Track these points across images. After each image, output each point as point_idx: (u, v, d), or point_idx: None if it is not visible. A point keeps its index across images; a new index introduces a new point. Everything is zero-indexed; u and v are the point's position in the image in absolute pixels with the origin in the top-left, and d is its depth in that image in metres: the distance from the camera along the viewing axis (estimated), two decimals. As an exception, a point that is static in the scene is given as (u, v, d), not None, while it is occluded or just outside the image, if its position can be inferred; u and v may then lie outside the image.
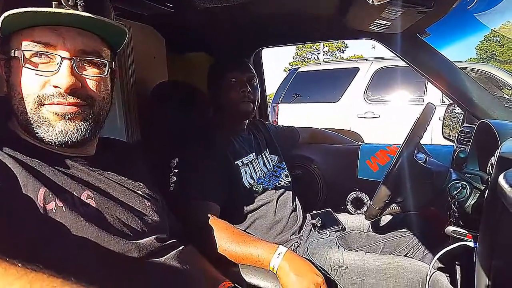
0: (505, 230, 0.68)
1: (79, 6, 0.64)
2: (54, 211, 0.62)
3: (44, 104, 0.65)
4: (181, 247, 0.84)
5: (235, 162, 1.33)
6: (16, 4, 0.61)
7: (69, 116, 0.67)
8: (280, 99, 5.28)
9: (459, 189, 1.11)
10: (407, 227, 1.44)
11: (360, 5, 1.26)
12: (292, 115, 5.10)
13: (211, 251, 1.05)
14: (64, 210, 0.63)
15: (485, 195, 0.86)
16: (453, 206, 1.11)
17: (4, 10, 0.62)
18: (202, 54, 1.81)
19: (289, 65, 26.46)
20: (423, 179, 1.22)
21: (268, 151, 1.55)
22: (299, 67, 5.96)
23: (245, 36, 1.78)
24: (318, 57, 27.78)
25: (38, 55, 0.65)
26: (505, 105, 1.51)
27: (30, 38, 0.64)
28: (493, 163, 0.82)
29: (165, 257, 0.77)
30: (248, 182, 1.34)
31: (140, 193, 0.84)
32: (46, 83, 0.65)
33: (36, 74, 0.65)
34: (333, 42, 28.85)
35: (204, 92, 1.53)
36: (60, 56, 0.65)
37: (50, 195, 0.62)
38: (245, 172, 1.35)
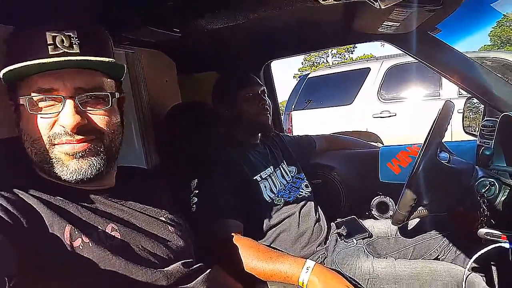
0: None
1: (74, 46, 0.67)
2: (81, 247, 0.63)
3: (55, 144, 0.67)
4: (208, 271, 0.83)
5: (254, 178, 1.33)
6: (16, 56, 0.64)
7: (81, 154, 0.68)
8: (293, 107, 5.26)
9: (487, 187, 1.07)
10: (436, 229, 1.39)
11: (366, 10, 1.26)
12: (306, 121, 5.07)
13: (238, 269, 1.04)
14: (90, 245, 0.64)
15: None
16: (483, 204, 1.08)
17: (6, 63, 0.65)
18: (212, 73, 1.83)
19: (299, 71, 26.48)
20: (448, 179, 1.19)
21: (285, 163, 1.54)
22: (309, 73, 5.94)
23: (253, 51, 1.79)
24: (327, 60, 27.68)
25: (43, 99, 0.67)
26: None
27: (33, 85, 0.66)
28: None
29: (193, 282, 0.77)
30: (269, 196, 1.33)
31: (163, 219, 0.84)
32: (55, 123, 0.68)
33: (42, 117, 0.67)
34: (341, 43, 28.73)
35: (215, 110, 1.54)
36: (63, 97, 0.67)
37: (76, 232, 0.63)
38: (265, 186, 1.34)
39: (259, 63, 1.92)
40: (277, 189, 1.38)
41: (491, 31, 21.11)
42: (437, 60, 1.50)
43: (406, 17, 1.20)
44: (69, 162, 0.68)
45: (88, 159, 0.69)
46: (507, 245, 0.90)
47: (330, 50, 27.65)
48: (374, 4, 1.00)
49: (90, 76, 0.70)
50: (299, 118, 5.11)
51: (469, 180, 1.11)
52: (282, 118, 2.30)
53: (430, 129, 1.22)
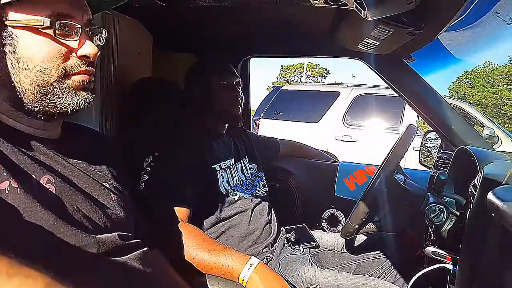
0: (487, 253, 0.66)
1: None
2: (6, 191, 0.55)
3: (69, 75, 0.66)
4: (145, 249, 0.77)
5: (213, 166, 1.28)
6: None
7: (88, 85, 0.69)
8: (262, 115, 5.31)
9: (436, 213, 1.10)
10: (381, 249, 1.42)
11: (351, 22, 1.28)
12: (272, 131, 5.11)
13: (178, 257, 0.98)
14: (18, 191, 0.56)
15: (466, 218, 0.85)
16: (430, 229, 1.11)
17: None
18: (189, 55, 1.78)
19: (272, 84, 26.83)
20: (401, 200, 1.22)
21: (247, 159, 1.51)
22: (282, 86, 6.03)
23: (234, 42, 1.77)
24: (300, 80, 28.34)
25: (59, 25, 0.62)
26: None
27: (45, 9, 0.62)
28: (476, 184, 0.81)
29: (127, 256, 0.71)
30: (225, 188, 1.29)
31: (107, 185, 0.77)
32: (69, 54, 0.65)
33: (58, 45, 0.64)
34: (316, 67, 29.66)
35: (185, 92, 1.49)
36: (81, 27, 0.65)
37: (5, 174, 0.56)
38: (222, 177, 1.30)
39: (239, 56, 1.89)
40: (234, 182, 1.35)
41: (450, 85, 22.75)
42: (406, 87, 1.56)
43: (387, 36, 1.22)
44: (80, 91, 0.67)
45: (91, 91, 0.70)
46: (450, 266, 0.93)
47: (305, 71, 28.45)
48: (361, 13, 1.02)
49: (90, 9, 0.70)
50: (265, 127, 5.14)
51: (420, 204, 1.14)
52: (251, 120, 2.28)
53: (391, 149, 1.26)
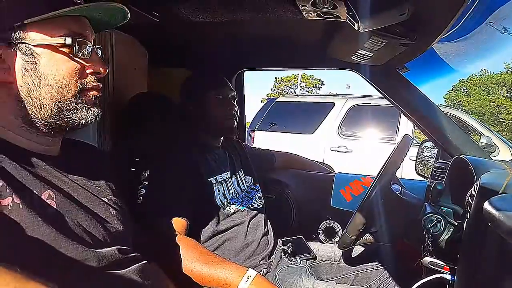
0: (485, 263, 0.66)
1: None
2: (9, 207, 0.56)
3: (84, 90, 0.69)
4: (144, 262, 0.78)
5: (209, 179, 1.28)
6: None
7: (98, 100, 0.73)
8: (257, 127, 5.32)
9: (434, 223, 1.09)
10: (379, 260, 1.41)
11: (345, 34, 1.29)
12: (267, 143, 5.12)
13: (176, 270, 0.97)
14: (21, 207, 0.57)
15: (464, 227, 0.85)
16: (427, 239, 1.10)
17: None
18: (184, 70, 1.78)
19: (267, 96, 26.97)
20: (398, 210, 1.22)
21: (242, 171, 1.51)
22: (277, 97, 6.06)
23: (228, 55, 1.78)
24: (295, 91, 28.50)
25: (75, 44, 0.66)
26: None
27: (63, 29, 0.66)
28: (473, 194, 0.81)
29: (126, 270, 0.71)
30: (221, 201, 1.28)
31: (106, 200, 0.78)
32: (83, 71, 0.69)
33: (74, 62, 0.67)
34: (310, 79, 29.90)
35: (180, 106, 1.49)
36: (91, 45, 0.69)
37: (8, 190, 0.57)
38: (218, 190, 1.29)
39: (233, 69, 1.89)
40: (231, 195, 1.34)
41: (446, 94, 22.95)
42: (401, 97, 1.56)
43: (380, 47, 1.24)
44: (93, 107, 0.71)
45: (99, 106, 0.73)
46: (448, 277, 0.92)
47: (299, 82, 28.65)
48: (354, 25, 1.03)
49: None
50: (261, 139, 5.15)
51: (417, 214, 1.13)
52: (246, 132, 2.28)
53: (387, 159, 1.26)
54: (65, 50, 0.66)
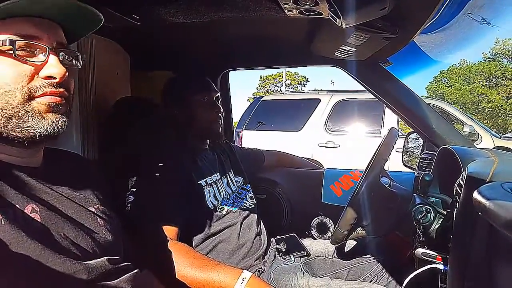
0: (476, 251, 0.67)
1: None
2: None
3: (34, 97, 0.63)
4: (135, 271, 0.76)
5: (199, 182, 1.27)
6: None
7: (58, 108, 0.65)
8: (244, 126, 5.33)
9: (423, 213, 1.11)
10: (372, 253, 1.42)
11: (328, 30, 1.29)
12: (255, 142, 5.13)
13: (169, 277, 0.96)
14: (3, 223, 0.55)
15: (453, 217, 0.86)
16: (418, 230, 1.12)
17: None
18: (167, 73, 1.76)
19: (253, 95, 26.99)
20: (388, 202, 1.22)
21: (232, 172, 1.50)
22: (263, 96, 6.07)
23: (212, 56, 1.77)
24: (280, 89, 28.59)
25: (24, 47, 0.62)
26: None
27: (11, 29, 0.61)
28: (461, 183, 0.82)
29: (118, 280, 0.70)
30: (212, 203, 1.27)
31: (93, 210, 0.76)
32: (34, 75, 0.63)
33: (22, 66, 0.62)
34: (295, 76, 30.03)
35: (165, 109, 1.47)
36: (47, 48, 0.63)
37: None
38: (209, 192, 1.28)
39: (217, 70, 1.88)
40: (222, 197, 1.33)
41: (427, 85, 23.34)
42: (385, 91, 1.58)
43: (363, 42, 1.25)
44: (48, 114, 0.64)
45: (62, 115, 0.66)
46: (441, 267, 0.93)
47: (284, 80, 28.76)
48: (336, 21, 1.03)
49: (62, 32, 0.69)
50: (249, 138, 5.16)
51: (407, 205, 1.14)
52: (234, 132, 2.27)
53: (375, 153, 1.27)
54: (11, 54, 0.61)
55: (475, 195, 0.54)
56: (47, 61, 0.63)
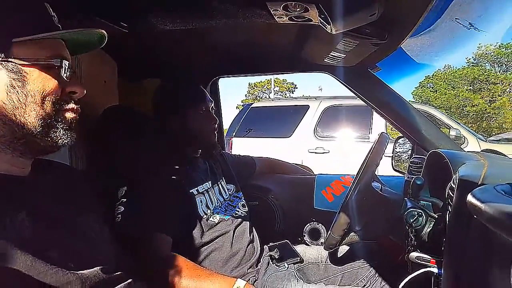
0: (470, 253, 0.67)
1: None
2: None
3: (64, 110, 0.70)
4: (129, 280, 0.75)
5: (190, 191, 1.25)
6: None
7: (75, 124, 0.72)
8: (234, 134, 5.31)
9: (415, 217, 1.11)
10: (365, 258, 1.42)
11: (317, 37, 1.30)
12: (245, 149, 5.12)
13: (162, 286, 0.94)
14: None
15: (446, 220, 0.86)
16: (411, 234, 1.12)
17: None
18: (156, 81, 1.74)
19: (242, 102, 27.03)
20: (380, 207, 1.23)
21: (224, 180, 1.49)
22: (252, 103, 6.08)
23: (202, 63, 1.76)
24: (269, 96, 28.72)
25: (56, 65, 0.67)
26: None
27: (46, 50, 0.67)
28: (453, 186, 0.83)
29: None
30: (204, 212, 1.25)
31: (84, 219, 0.76)
32: (62, 89, 0.69)
33: (57, 81, 0.68)
34: (283, 83, 30.22)
35: (156, 119, 1.45)
36: (69, 66, 0.70)
37: None
38: (201, 201, 1.27)
39: (207, 78, 1.87)
40: (213, 205, 1.32)
41: (413, 91, 23.74)
42: (374, 96, 1.60)
43: (352, 48, 1.26)
44: (71, 129, 0.71)
45: (74, 129, 0.72)
46: (435, 270, 0.93)
47: (272, 87, 28.90)
48: (326, 27, 1.04)
49: None
50: (239, 145, 5.14)
51: (399, 209, 1.15)
52: (224, 140, 2.26)
53: (366, 157, 1.28)
54: (51, 70, 0.67)
55: (470, 198, 0.55)
56: (72, 80, 0.71)
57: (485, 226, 0.52)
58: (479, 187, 0.61)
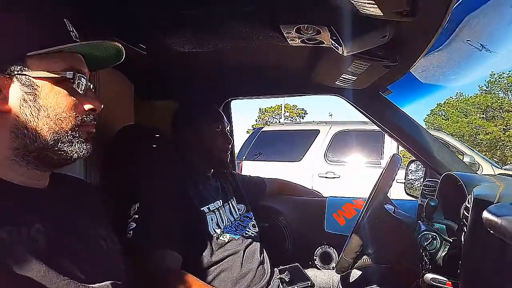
0: (487, 272, 0.65)
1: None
2: None
3: (82, 125, 0.69)
4: None
5: (201, 208, 1.25)
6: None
7: (91, 136, 0.73)
8: (244, 157, 5.32)
9: (429, 240, 1.09)
10: (378, 283, 1.38)
11: (328, 59, 1.33)
12: (255, 172, 5.10)
13: None
14: (7, 243, 0.55)
15: (462, 241, 0.84)
16: (425, 257, 1.09)
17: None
18: (171, 102, 1.78)
19: (252, 127, 27.22)
20: (393, 230, 1.21)
21: (235, 199, 1.48)
22: (263, 127, 6.12)
23: (216, 85, 1.80)
24: (279, 121, 28.90)
25: (73, 80, 0.67)
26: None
27: (65, 63, 0.67)
28: (468, 206, 0.82)
29: None
30: (214, 230, 1.24)
31: (96, 233, 0.76)
32: (82, 105, 0.70)
33: (73, 96, 0.68)
34: (294, 108, 30.45)
35: (169, 138, 1.48)
36: (87, 81, 0.70)
37: None
38: (212, 219, 1.26)
39: (221, 99, 1.91)
40: (224, 224, 1.31)
41: (425, 118, 23.63)
42: (386, 120, 1.60)
43: (363, 71, 1.28)
44: (87, 142, 0.71)
45: (90, 141, 0.73)
46: (451, 292, 0.90)
47: (283, 112, 29.11)
48: (338, 49, 1.06)
49: None
50: (248, 168, 5.13)
51: (412, 232, 1.13)
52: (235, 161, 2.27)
53: (378, 179, 1.27)
54: (65, 84, 0.66)
55: (485, 214, 0.54)
56: (87, 94, 0.70)
57: (501, 244, 0.51)
58: (495, 204, 0.60)
